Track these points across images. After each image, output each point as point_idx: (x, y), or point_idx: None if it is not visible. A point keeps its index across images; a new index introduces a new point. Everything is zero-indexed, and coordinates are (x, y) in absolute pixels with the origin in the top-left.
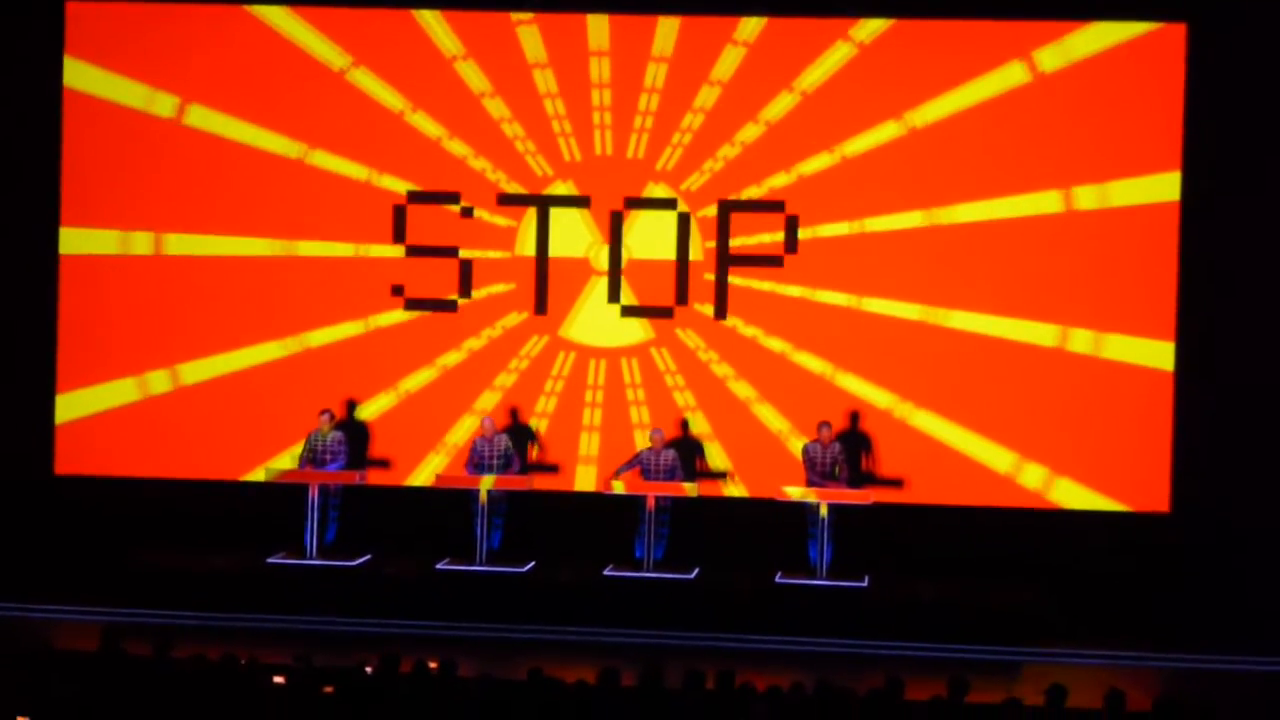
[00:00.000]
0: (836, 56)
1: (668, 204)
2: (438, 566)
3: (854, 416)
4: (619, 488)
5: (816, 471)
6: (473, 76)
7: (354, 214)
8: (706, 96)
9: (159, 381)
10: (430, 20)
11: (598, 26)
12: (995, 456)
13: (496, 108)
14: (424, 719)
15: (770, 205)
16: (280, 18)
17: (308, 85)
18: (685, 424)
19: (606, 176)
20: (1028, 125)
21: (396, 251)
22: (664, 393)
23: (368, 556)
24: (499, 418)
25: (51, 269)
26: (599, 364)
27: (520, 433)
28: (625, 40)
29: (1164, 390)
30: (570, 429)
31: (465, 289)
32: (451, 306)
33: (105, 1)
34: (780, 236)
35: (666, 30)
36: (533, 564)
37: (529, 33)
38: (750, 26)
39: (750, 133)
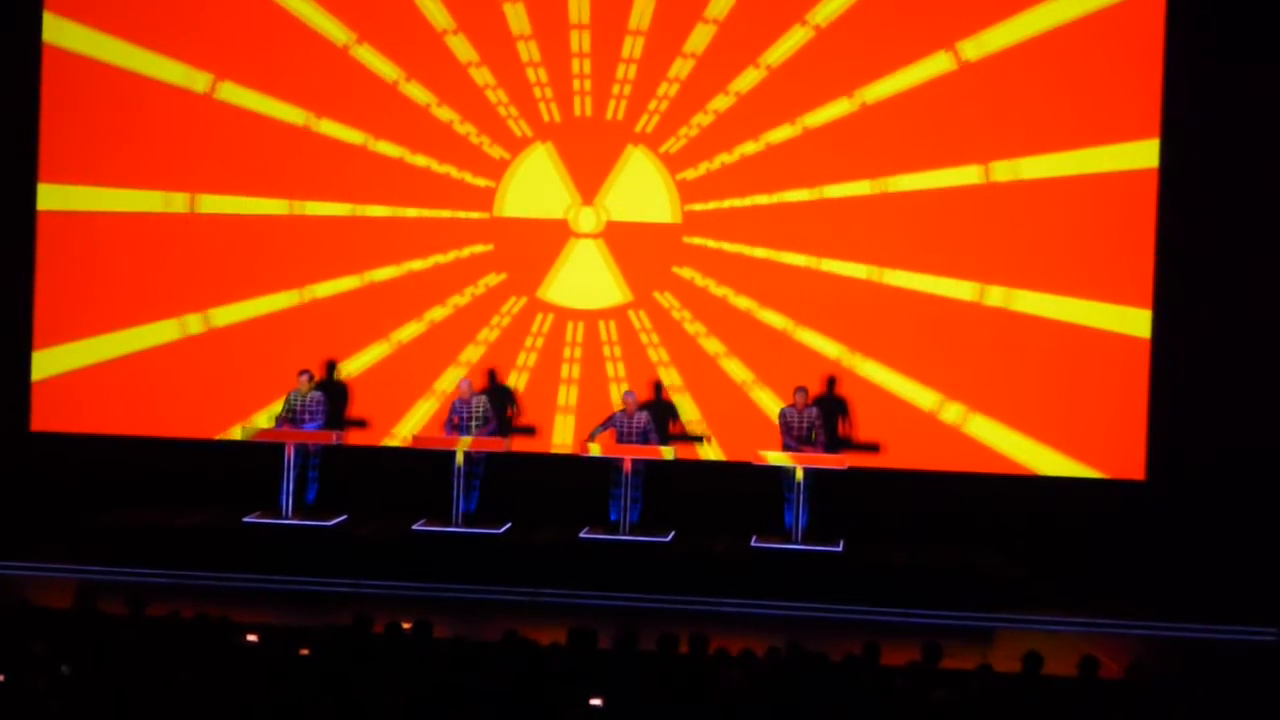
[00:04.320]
0: (797, 36)
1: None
2: (414, 527)
3: (830, 381)
4: (595, 450)
5: (792, 436)
6: (461, 48)
7: (351, 176)
8: (680, 68)
9: (136, 339)
10: None
11: (578, 2)
12: (971, 422)
13: (482, 76)
14: (398, 680)
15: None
16: None
17: (311, 56)
18: (658, 386)
19: (586, 138)
20: (1006, 91)
21: (386, 211)
22: (639, 351)
23: (344, 517)
24: (477, 379)
25: (29, 225)
26: (577, 325)
27: (499, 394)
28: (604, 14)
29: (1140, 357)
30: (548, 388)
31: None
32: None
33: None
34: (747, 202)
35: (642, 6)
36: (508, 526)
37: (514, 9)
38: (720, 4)
39: (721, 103)
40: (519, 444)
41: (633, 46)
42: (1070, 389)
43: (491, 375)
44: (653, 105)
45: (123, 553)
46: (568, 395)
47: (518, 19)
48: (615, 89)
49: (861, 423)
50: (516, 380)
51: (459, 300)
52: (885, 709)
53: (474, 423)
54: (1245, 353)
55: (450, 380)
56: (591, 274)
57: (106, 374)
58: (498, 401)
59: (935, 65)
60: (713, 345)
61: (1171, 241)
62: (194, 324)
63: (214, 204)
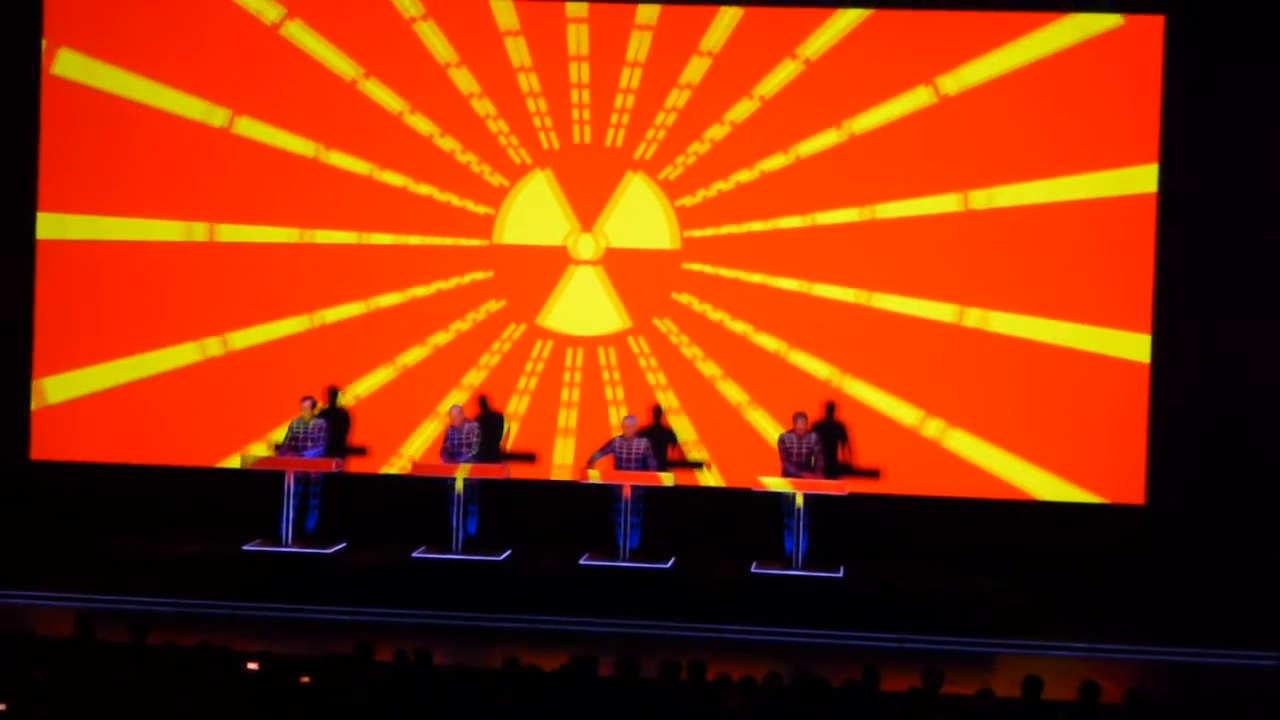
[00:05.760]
0: (789, 69)
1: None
2: (414, 555)
3: (830, 407)
4: (595, 476)
5: (792, 462)
6: (463, 80)
7: (357, 205)
8: (677, 98)
9: (138, 367)
10: (427, 31)
11: (577, 35)
12: (970, 448)
13: (483, 107)
14: (399, 708)
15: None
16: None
17: (321, 90)
18: (658, 411)
19: (585, 165)
20: (1005, 118)
21: (391, 239)
22: (639, 377)
23: (343, 544)
24: (470, 406)
25: (28, 254)
26: (576, 352)
27: (490, 420)
28: (602, 46)
29: (1140, 382)
30: (548, 413)
31: None
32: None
33: None
34: (743, 228)
35: (640, 39)
36: (509, 552)
37: (515, 42)
38: (714, 38)
39: (717, 132)
40: (519, 470)
41: (630, 77)
42: (1070, 414)
43: (483, 402)
44: (650, 134)
45: (123, 581)
46: (567, 419)
47: (518, 52)
48: (614, 118)
49: (861, 448)
50: (517, 405)
51: (461, 326)
52: None
53: (466, 450)
54: (1245, 377)
55: (453, 403)
56: (591, 301)
57: (106, 402)
58: (490, 428)
59: (933, 93)
60: (709, 368)
61: (1171, 266)
62: (203, 350)
63: (228, 233)
